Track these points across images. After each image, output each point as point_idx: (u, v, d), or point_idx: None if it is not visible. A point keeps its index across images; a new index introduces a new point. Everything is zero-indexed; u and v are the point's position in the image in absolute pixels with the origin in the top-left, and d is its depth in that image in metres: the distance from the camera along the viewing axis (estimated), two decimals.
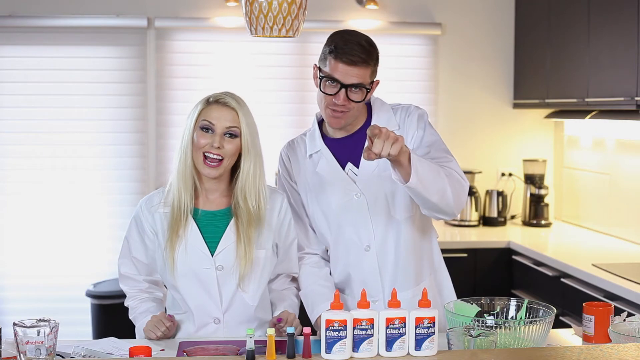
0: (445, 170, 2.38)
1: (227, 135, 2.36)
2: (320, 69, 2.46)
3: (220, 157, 2.35)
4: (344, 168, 2.55)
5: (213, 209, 2.43)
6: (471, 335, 1.93)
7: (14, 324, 1.86)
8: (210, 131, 2.35)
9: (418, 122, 2.54)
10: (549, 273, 3.82)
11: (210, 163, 2.35)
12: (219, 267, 2.38)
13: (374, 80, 2.49)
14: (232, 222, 2.41)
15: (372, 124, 2.52)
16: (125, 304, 2.53)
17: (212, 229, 2.42)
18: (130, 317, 2.51)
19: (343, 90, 2.40)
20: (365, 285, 2.54)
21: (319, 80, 2.46)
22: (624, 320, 2.18)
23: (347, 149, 2.55)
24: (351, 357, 1.91)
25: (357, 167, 2.53)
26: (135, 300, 2.51)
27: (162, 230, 2.42)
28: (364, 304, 1.93)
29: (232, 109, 2.37)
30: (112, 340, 2.30)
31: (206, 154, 2.35)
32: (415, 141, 2.52)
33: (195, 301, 2.40)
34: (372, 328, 1.91)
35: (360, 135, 2.54)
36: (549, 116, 4.82)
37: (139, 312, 2.47)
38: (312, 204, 2.59)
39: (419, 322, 1.93)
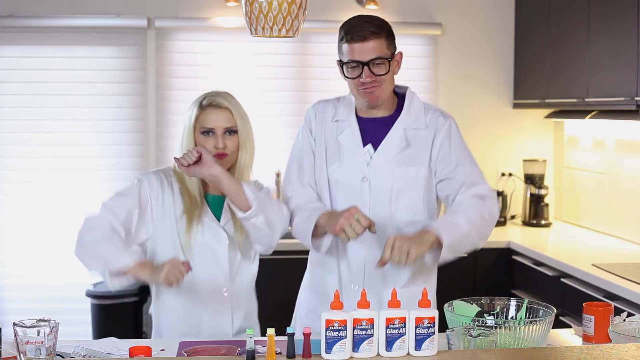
0: (476, 220, 2.52)
1: (227, 133, 2.50)
2: (340, 60, 2.53)
3: (225, 153, 2.49)
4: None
5: (218, 194, 2.56)
6: (471, 335, 1.93)
7: (14, 324, 1.86)
8: (210, 133, 2.49)
9: (447, 134, 2.60)
10: (549, 273, 3.82)
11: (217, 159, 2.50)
12: (229, 242, 2.53)
13: (395, 53, 2.56)
14: (227, 201, 2.53)
15: (400, 117, 2.58)
16: (85, 232, 2.45)
17: (216, 209, 2.56)
18: (92, 248, 2.42)
19: (366, 68, 2.47)
20: (349, 268, 2.57)
21: (341, 69, 2.53)
22: (624, 320, 2.18)
23: (371, 131, 2.59)
24: (351, 357, 1.91)
25: (375, 150, 2.57)
26: (109, 235, 2.43)
27: (172, 203, 2.51)
28: (364, 304, 1.92)
29: (225, 109, 2.50)
30: (112, 340, 2.30)
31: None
32: (443, 151, 2.58)
33: (206, 274, 2.51)
34: (372, 328, 1.91)
35: (387, 121, 2.59)
36: (549, 116, 4.82)
37: (122, 250, 2.40)
38: (321, 169, 2.60)
39: (419, 322, 1.92)
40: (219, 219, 2.55)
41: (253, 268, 2.62)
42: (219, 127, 2.49)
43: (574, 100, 4.16)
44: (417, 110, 2.61)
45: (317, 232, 2.53)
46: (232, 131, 2.51)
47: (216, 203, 2.56)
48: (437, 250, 2.44)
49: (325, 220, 2.49)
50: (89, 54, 4.74)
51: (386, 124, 2.59)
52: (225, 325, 2.55)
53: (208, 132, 2.49)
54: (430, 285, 2.66)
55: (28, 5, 4.67)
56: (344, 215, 2.37)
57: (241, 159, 2.53)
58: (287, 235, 2.79)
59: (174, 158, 2.45)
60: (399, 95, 2.65)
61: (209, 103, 2.50)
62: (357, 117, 2.61)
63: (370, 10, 4.83)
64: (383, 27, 2.52)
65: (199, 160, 2.42)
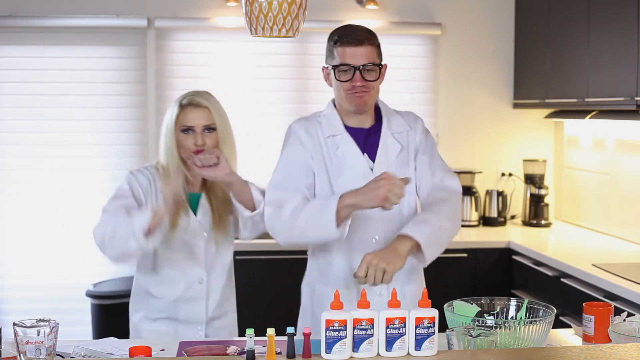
0: (441, 209, 2.55)
1: (206, 131, 2.64)
2: (330, 65, 2.57)
3: (204, 150, 2.63)
4: None
5: (195, 192, 2.74)
6: (471, 335, 1.93)
7: (14, 324, 1.86)
8: (190, 131, 2.64)
9: (422, 129, 2.71)
10: (549, 273, 3.82)
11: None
12: (206, 236, 2.71)
13: (383, 64, 2.58)
14: (204, 197, 2.73)
15: (384, 124, 2.64)
16: (101, 228, 2.56)
17: (193, 205, 2.74)
18: (112, 230, 2.54)
19: (358, 72, 2.51)
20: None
21: (332, 72, 2.56)
22: (624, 320, 2.18)
23: (361, 141, 2.63)
24: (351, 357, 1.91)
25: (372, 160, 2.61)
26: (118, 219, 2.56)
27: (155, 199, 2.65)
28: (364, 304, 1.93)
29: (204, 108, 2.65)
30: (112, 340, 2.30)
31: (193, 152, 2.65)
32: (419, 145, 2.67)
33: (183, 265, 2.70)
34: (372, 328, 1.91)
35: (372, 131, 2.64)
36: (549, 116, 4.82)
37: (134, 215, 2.54)
38: (324, 185, 2.59)
39: (419, 322, 1.92)
40: (195, 215, 2.71)
41: (227, 258, 2.79)
42: (199, 125, 2.64)
43: (574, 100, 4.16)
44: (393, 115, 2.69)
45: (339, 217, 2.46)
46: (210, 128, 2.65)
47: (194, 200, 2.73)
48: (420, 253, 2.47)
49: (356, 196, 2.41)
50: (89, 54, 4.74)
51: (372, 133, 2.64)
52: (200, 311, 2.73)
53: (188, 130, 2.64)
54: (420, 284, 2.72)
55: (28, 5, 4.67)
56: (382, 184, 2.36)
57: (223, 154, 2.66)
58: None
59: (190, 156, 2.61)
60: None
61: (188, 102, 2.66)
62: (346, 129, 2.64)
63: (370, 10, 4.83)
64: (375, 36, 2.58)
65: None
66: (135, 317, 2.79)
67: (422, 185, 2.65)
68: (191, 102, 2.66)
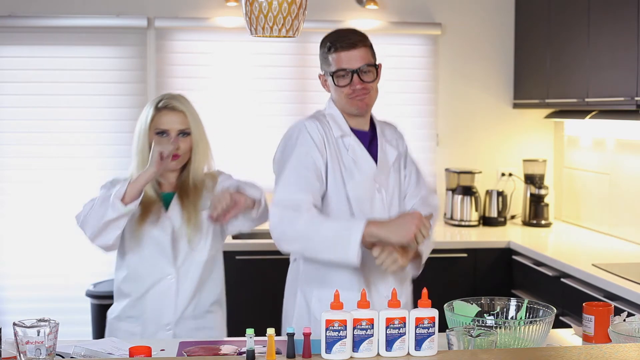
0: (432, 232, 2.59)
1: (181, 135, 2.66)
2: (326, 72, 2.59)
3: (178, 155, 2.65)
4: None
5: (167, 191, 2.74)
6: (471, 335, 1.93)
7: (14, 324, 1.86)
8: (165, 134, 2.65)
9: (403, 138, 2.80)
10: (549, 273, 3.82)
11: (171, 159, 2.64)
12: (175, 233, 2.70)
13: (378, 63, 2.62)
14: (176, 196, 2.72)
15: (378, 131, 2.69)
16: (81, 210, 2.63)
17: (166, 203, 2.74)
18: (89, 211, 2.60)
19: (355, 75, 2.53)
20: (374, 279, 2.60)
21: (329, 78, 2.58)
22: (624, 320, 2.18)
23: (367, 143, 2.66)
24: (351, 357, 1.91)
25: (375, 161, 2.65)
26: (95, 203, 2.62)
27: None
28: (364, 304, 1.93)
29: (180, 112, 2.67)
30: (112, 340, 2.30)
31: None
32: (406, 155, 2.75)
33: (152, 260, 2.70)
34: (372, 328, 1.91)
35: (370, 135, 2.68)
36: (549, 116, 4.82)
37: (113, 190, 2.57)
38: (337, 187, 2.59)
39: (419, 322, 1.92)
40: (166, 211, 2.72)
41: (202, 256, 2.73)
42: (173, 129, 2.65)
43: (574, 100, 4.16)
44: (382, 124, 2.75)
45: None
46: (185, 133, 2.67)
47: (167, 199, 2.73)
48: (416, 261, 2.58)
49: (385, 228, 2.40)
50: (89, 54, 4.74)
51: (369, 138, 2.68)
52: (168, 309, 2.71)
53: (162, 133, 2.66)
54: (407, 285, 2.76)
55: (28, 5, 4.67)
56: (413, 223, 2.37)
57: (195, 159, 2.70)
58: None
59: (209, 217, 2.60)
60: None
61: (164, 105, 2.67)
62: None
63: (370, 10, 4.83)
64: (366, 37, 2.60)
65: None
66: (109, 317, 2.83)
67: (408, 195, 2.70)
68: (167, 105, 2.68)
